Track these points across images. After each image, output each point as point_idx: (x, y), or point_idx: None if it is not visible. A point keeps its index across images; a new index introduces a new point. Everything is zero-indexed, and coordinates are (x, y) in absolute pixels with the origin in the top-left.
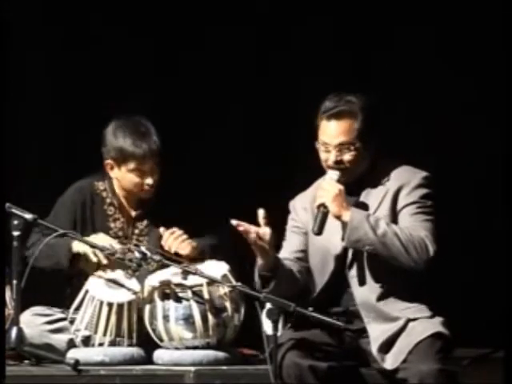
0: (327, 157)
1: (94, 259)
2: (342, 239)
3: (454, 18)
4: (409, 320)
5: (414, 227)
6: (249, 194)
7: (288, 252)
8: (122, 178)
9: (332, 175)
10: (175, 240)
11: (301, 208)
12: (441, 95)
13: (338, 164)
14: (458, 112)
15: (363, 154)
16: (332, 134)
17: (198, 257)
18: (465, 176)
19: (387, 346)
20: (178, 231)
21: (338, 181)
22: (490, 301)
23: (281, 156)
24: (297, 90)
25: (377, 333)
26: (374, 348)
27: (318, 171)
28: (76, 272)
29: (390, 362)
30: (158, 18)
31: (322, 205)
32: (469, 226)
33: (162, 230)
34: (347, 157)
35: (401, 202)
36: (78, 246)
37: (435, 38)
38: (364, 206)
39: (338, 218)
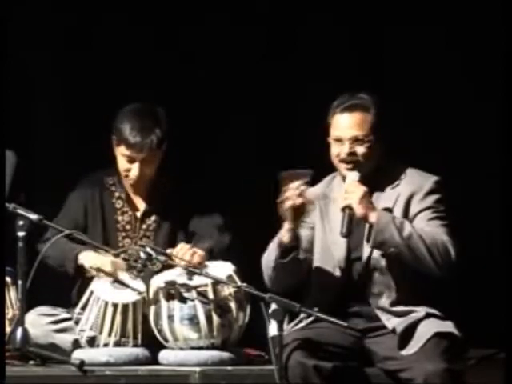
0: (340, 150)
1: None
2: (367, 240)
3: (454, 19)
4: (428, 314)
5: (434, 232)
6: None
7: None
8: (118, 158)
9: (353, 176)
10: (185, 254)
11: None
12: (440, 95)
13: (351, 156)
14: (457, 112)
15: (375, 150)
16: (346, 126)
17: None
18: (464, 176)
19: (410, 330)
20: (184, 246)
21: (359, 181)
22: (490, 301)
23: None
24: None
25: (398, 321)
26: (398, 330)
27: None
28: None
29: (410, 346)
30: (158, 17)
31: (348, 207)
32: (469, 226)
33: (169, 250)
34: (361, 149)
35: (414, 208)
36: (84, 259)
37: (435, 38)
38: (386, 209)
39: (364, 219)
